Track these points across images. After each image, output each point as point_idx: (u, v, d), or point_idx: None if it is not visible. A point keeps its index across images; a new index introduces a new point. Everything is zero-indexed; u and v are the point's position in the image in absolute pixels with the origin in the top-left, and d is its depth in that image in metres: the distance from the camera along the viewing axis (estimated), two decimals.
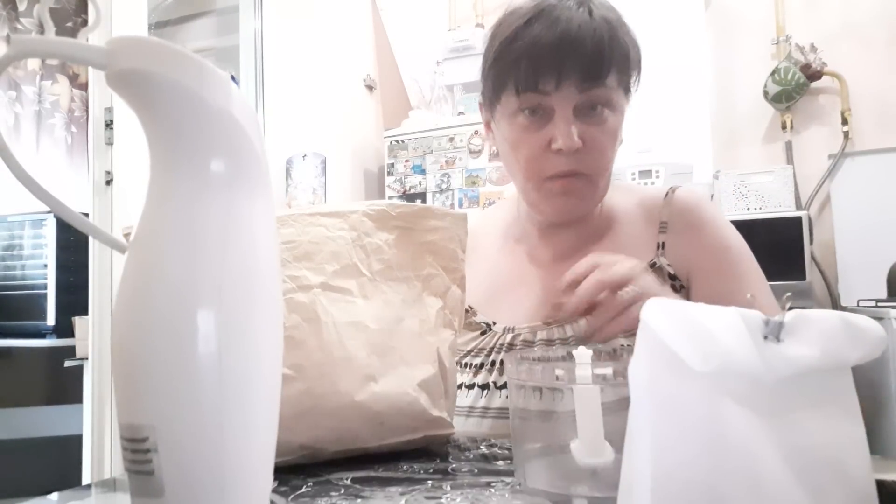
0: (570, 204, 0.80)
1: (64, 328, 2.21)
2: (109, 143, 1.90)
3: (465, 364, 0.84)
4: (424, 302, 0.67)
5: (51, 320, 2.30)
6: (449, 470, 0.60)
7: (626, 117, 0.82)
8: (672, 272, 0.81)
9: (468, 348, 0.84)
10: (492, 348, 0.83)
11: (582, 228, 0.86)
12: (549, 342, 0.80)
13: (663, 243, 0.82)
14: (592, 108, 0.76)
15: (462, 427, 0.79)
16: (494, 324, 0.85)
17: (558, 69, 0.74)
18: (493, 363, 0.82)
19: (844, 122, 2.49)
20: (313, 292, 0.64)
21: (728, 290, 0.78)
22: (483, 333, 0.85)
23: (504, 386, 0.78)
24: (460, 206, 2.55)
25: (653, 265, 0.81)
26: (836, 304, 2.45)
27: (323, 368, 0.61)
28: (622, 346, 0.78)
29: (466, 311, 0.87)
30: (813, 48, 2.51)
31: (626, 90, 0.80)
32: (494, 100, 0.81)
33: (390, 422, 0.63)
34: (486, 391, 0.80)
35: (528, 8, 0.77)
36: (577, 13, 0.74)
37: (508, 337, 0.83)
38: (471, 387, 0.81)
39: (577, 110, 0.76)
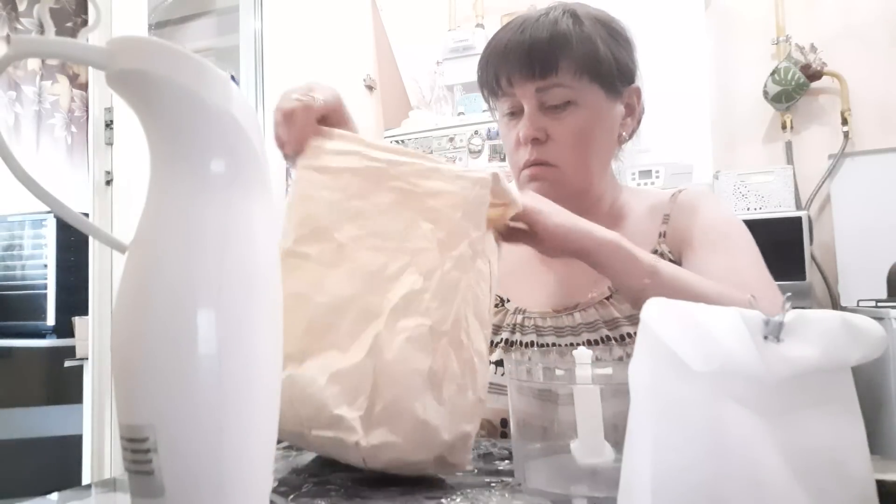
0: (541, 189, 0.84)
1: (64, 328, 2.20)
2: (109, 143, 1.90)
3: None
4: (400, 281, 0.56)
5: (51, 320, 2.30)
6: None
7: (616, 116, 0.87)
8: (672, 258, 0.84)
9: None
10: (503, 326, 0.88)
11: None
12: (558, 329, 0.84)
13: (664, 232, 0.87)
14: (556, 105, 0.82)
15: None
16: (508, 301, 0.90)
17: (507, 68, 0.82)
18: (506, 341, 0.86)
19: (844, 122, 2.49)
20: None
21: (715, 262, 0.80)
22: (496, 306, 0.89)
23: None
24: None
25: (654, 252, 0.84)
26: (836, 304, 2.44)
27: None
28: (629, 334, 0.80)
29: None
30: (813, 48, 2.51)
31: (609, 90, 0.84)
32: (493, 108, 0.91)
33: (301, 411, 0.55)
34: (501, 368, 0.84)
35: (505, 24, 0.87)
36: (531, 21, 0.82)
37: (519, 318, 0.87)
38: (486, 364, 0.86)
39: (543, 107, 0.83)
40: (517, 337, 0.86)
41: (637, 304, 0.71)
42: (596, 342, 0.81)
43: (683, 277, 0.71)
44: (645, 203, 0.92)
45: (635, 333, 0.78)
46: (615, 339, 0.80)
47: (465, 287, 0.57)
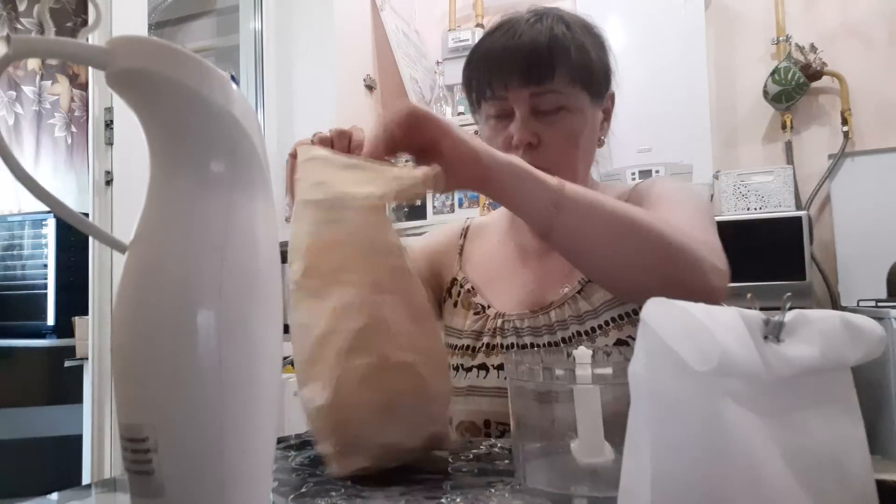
0: None
1: (64, 328, 2.20)
2: (109, 143, 1.89)
3: (465, 346, 0.89)
4: (354, 317, 0.59)
5: (51, 320, 2.29)
6: (449, 470, 0.60)
7: (598, 120, 0.89)
8: None
9: (466, 329, 0.90)
10: (485, 331, 0.89)
11: None
12: (535, 329, 0.85)
13: None
14: (547, 110, 0.83)
15: (463, 406, 0.86)
16: (489, 307, 0.90)
17: (504, 73, 0.82)
18: (487, 345, 0.87)
19: (844, 122, 2.49)
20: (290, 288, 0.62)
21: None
22: (477, 314, 0.90)
23: (499, 367, 0.84)
24: (460, 206, 2.55)
25: None
26: (836, 304, 2.44)
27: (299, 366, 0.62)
28: (599, 326, 0.82)
29: (469, 290, 0.94)
30: (813, 48, 2.51)
31: (595, 96, 0.86)
32: (476, 110, 0.91)
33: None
34: (483, 372, 0.86)
35: (492, 26, 0.87)
36: (526, 25, 0.83)
37: (499, 322, 0.88)
38: (469, 369, 0.87)
39: (535, 112, 0.83)
40: (497, 340, 0.87)
41: (547, 235, 0.67)
42: (569, 339, 0.83)
43: (592, 196, 0.67)
44: (611, 195, 0.93)
45: (602, 325, 0.81)
46: (585, 334, 0.82)
47: (395, 320, 0.59)
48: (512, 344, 0.86)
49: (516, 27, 0.83)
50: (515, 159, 0.66)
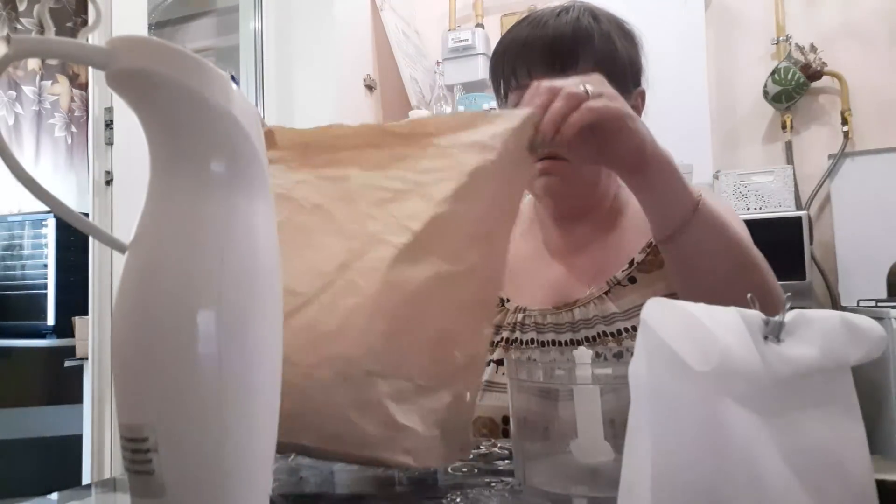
0: (551, 183, 0.85)
1: (64, 328, 2.20)
2: (109, 143, 1.89)
3: None
4: None
5: (51, 320, 2.29)
6: (449, 470, 0.60)
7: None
8: None
9: None
10: (504, 325, 0.88)
11: (594, 220, 0.91)
12: (558, 325, 0.85)
13: None
14: None
15: (480, 401, 0.84)
16: (508, 301, 0.90)
17: (528, 60, 0.83)
18: (505, 340, 0.87)
19: (844, 122, 2.49)
20: None
21: None
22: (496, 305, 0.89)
23: None
24: None
25: (650, 244, 0.85)
26: (836, 304, 2.44)
27: None
28: (625, 329, 0.81)
29: None
30: (813, 48, 2.51)
31: (621, 89, 0.83)
32: (503, 103, 0.90)
33: None
34: (501, 367, 0.85)
35: (519, 19, 0.88)
36: (552, 16, 0.84)
37: (520, 316, 0.87)
38: (486, 363, 0.86)
39: None
40: (517, 335, 0.86)
41: (670, 237, 0.68)
42: (594, 338, 0.82)
43: (722, 217, 0.69)
44: None
45: (630, 329, 0.80)
46: (611, 335, 0.81)
47: None
48: (532, 339, 0.85)
49: (542, 18, 0.84)
50: (671, 156, 0.65)
